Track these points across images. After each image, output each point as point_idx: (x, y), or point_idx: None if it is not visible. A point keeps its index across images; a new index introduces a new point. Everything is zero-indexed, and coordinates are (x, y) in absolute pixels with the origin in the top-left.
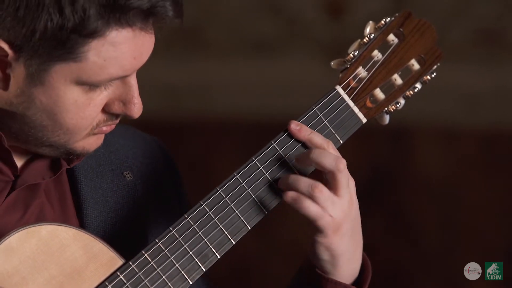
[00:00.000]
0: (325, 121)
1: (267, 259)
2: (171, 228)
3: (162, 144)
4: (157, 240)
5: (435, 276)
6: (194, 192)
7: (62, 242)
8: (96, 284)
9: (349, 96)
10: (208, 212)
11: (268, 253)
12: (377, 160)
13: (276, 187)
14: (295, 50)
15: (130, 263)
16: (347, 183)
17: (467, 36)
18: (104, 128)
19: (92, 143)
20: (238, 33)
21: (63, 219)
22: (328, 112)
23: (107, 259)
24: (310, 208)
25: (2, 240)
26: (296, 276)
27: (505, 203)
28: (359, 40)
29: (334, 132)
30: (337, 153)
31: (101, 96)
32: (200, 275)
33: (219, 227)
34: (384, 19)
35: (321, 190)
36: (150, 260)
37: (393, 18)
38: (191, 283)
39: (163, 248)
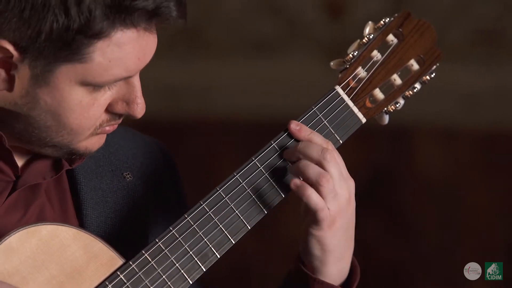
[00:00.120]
0: (325, 121)
1: (267, 259)
2: (171, 228)
3: (163, 145)
4: (157, 240)
5: (435, 276)
6: (194, 192)
7: (62, 242)
8: (96, 283)
9: (349, 96)
10: (208, 212)
11: (268, 253)
12: (377, 160)
13: (276, 187)
14: (295, 50)
15: (130, 263)
16: (339, 175)
17: (467, 36)
18: (107, 128)
19: (95, 143)
20: (238, 33)
21: (63, 220)
22: (327, 112)
23: (107, 258)
24: (312, 196)
25: (2, 240)
26: (285, 278)
27: (505, 203)
28: (358, 41)
29: (333, 132)
30: (336, 154)
31: (105, 97)
32: (200, 274)
33: (219, 227)
34: (383, 20)
35: (328, 180)
36: (150, 259)
37: (392, 19)
38: (191, 282)
39: (163, 248)
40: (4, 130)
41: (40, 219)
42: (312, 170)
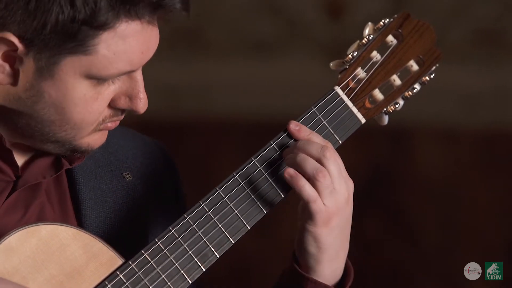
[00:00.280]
0: (324, 122)
1: (267, 259)
2: (170, 228)
3: (163, 146)
4: (156, 240)
5: (435, 276)
6: (194, 192)
7: (62, 241)
8: (96, 283)
9: (348, 97)
10: (207, 212)
11: (267, 253)
12: (377, 160)
13: (275, 187)
14: (295, 50)
15: (130, 263)
16: (338, 173)
17: (467, 36)
18: (109, 124)
19: (97, 139)
20: (238, 33)
21: (63, 220)
22: (327, 112)
23: (106, 258)
24: (305, 187)
25: (2, 240)
26: (279, 278)
27: (505, 203)
28: (358, 41)
29: (333, 133)
30: (335, 153)
31: (108, 91)
32: (199, 274)
33: (218, 227)
34: (382, 21)
35: (325, 176)
36: (149, 259)
37: (391, 20)
38: (190, 282)
39: (163, 248)
40: (6, 125)
41: (40, 219)
42: (310, 164)
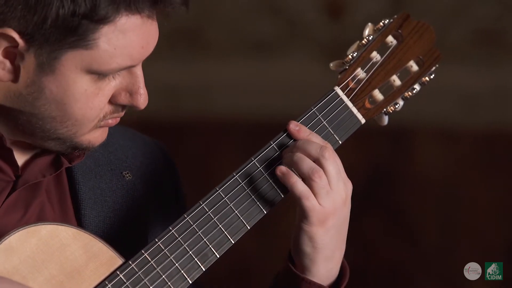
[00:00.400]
0: (324, 122)
1: (267, 259)
2: (170, 228)
3: (162, 146)
4: (156, 240)
5: (435, 276)
6: (194, 192)
7: (62, 241)
8: (96, 283)
9: (348, 97)
10: (207, 212)
11: (267, 253)
12: (377, 160)
13: (275, 187)
14: (295, 51)
15: (130, 262)
16: (337, 174)
17: (467, 36)
18: (110, 121)
19: (98, 136)
20: (238, 33)
21: (62, 219)
22: (327, 112)
23: (106, 258)
24: (297, 184)
25: (2, 240)
26: (273, 279)
27: (505, 203)
28: (357, 42)
29: (333, 133)
30: (334, 154)
31: (109, 87)
32: (199, 274)
33: (218, 227)
34: (382, 21)
35: (321, 176)
36: (149, 259)
37: (391, 20)
38: (190, 282)
39: (163, 248)
40: (7, 122)
41: (40, 219)
42: (306, 164)
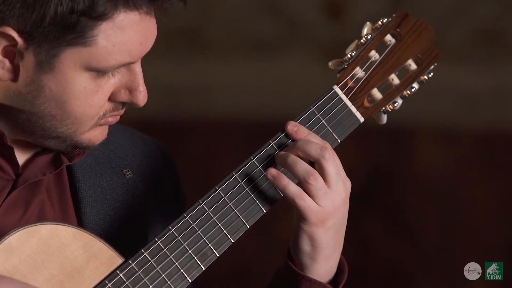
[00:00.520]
0: (323, 121)
1: (267, 258)
2: (170, 227)
3: (162, 145)
4: (156, 239)
5: (435, 276)
6: (194, 192)
7: (62, 241)
8: (96, 282)
9: (347, 96)
10: (207, 211)
11: (267, 252)
12: (377, 160)
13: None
14: (295, 51)
15: (130, 262)
16: (336, 174)
17: (466, 36)
18: (110, 119)
19: (98, 135)
20: (238, 33)
21: (62, 218)
22: (325, 111)
23: (106, 258)
24: (289, 187)
25: (2, 240)
26: (272, 277)
27: (505, 203)
28: (356, 41)
29: (331, 132)
30: (334, 153)
31: (108, 84)
32: (199, 273)
33: (218, 226)
34: (381, 20)
35: (316, 179)
36: (149, 258)
37: (390, 19)
38: (190, 281)
39: (163, 247)
40: (7, 121)
41: (40, 218)
42: (300, 166)
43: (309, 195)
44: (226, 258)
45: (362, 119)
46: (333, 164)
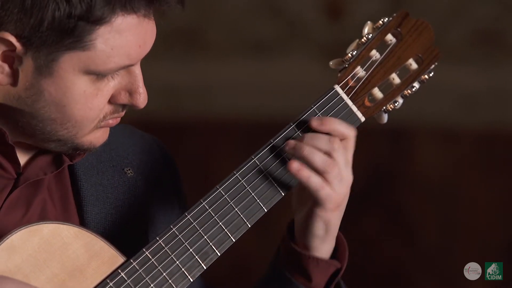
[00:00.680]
0: None
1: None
2: (171, 226)
3: (162, 144)
4: (157, 238)
5: (435, 276)
6: (194, 192)
7: (64, 240)
8: (97, 281)
9: (348, 95)
10: (208, 210)
11: (268, 251)
12: (377, 160)
13: (275, 185)
14: (295, 51)
15: (131, 261)
16: (346, 162)
17: (466, 36)
18: (111, 121)
19: (99, 137)
20: (238, 33)
21: (64, 217)
22: (326, 110)
23: (108, 257)
24: (312, 178)
25: (4, 239)
26: (273, 258)
27: (505, 203)
28: (357, 40)
29: None
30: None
31: (108, 87)
32: (200, 272)
33: (219, 225)
34: (382, 19)
35: (333, 167)
36: (150, 257)
37: (390, 18)
38: (191, 280)
39: (164, 246)
40: (7, 125)
41: (42, 217)
42: (318, 157)
43: (326, 183)
44: (227, 257)
45: (363, 119)
46: (342, 154)
